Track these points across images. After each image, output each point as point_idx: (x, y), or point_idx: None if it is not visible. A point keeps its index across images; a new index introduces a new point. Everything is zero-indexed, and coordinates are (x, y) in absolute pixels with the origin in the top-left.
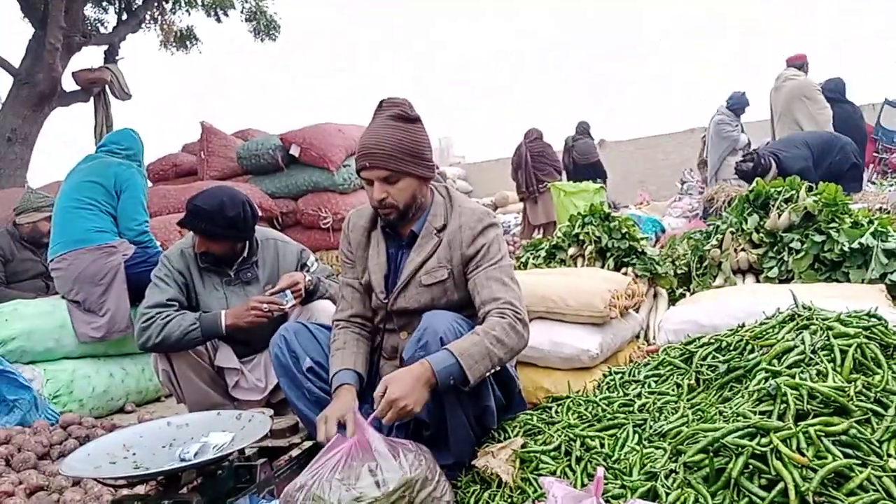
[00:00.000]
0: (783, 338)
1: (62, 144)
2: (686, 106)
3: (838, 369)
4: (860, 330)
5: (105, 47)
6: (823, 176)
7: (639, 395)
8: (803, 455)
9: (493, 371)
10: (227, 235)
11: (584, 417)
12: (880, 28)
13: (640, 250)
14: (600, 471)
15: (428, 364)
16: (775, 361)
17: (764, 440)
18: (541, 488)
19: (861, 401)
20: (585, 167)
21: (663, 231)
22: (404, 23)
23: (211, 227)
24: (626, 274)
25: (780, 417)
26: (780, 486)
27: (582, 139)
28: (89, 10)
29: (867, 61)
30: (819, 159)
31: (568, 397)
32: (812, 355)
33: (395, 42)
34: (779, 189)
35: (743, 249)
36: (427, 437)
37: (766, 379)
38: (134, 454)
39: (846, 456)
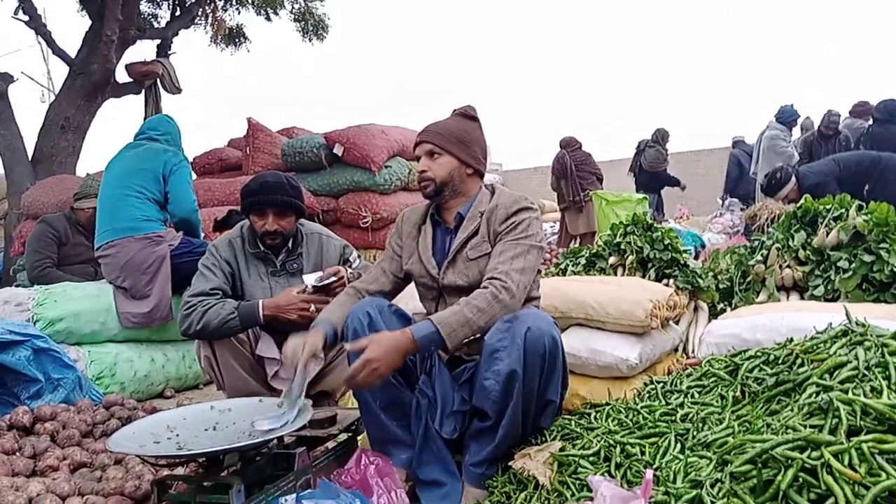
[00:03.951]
0: (835, 353)
1: (112, 134)
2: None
3: (893, 387)
4: None
5: (158, 41)
6: (853, 192)
7: (681, 405)
8: (855, 471)
9: (473, 337)
10: (296, 206)
11: (625, 424)
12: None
13: (682, 262)
14: (649, 473)
15: (409, 332)
16: (827, 376)
17: (815, 454)
18: (579, 491)
19: None
20: (649, 174)
21: (703, 246)
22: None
23: (284, 198)
24: (667, 285)
25: (832, 432)
26: (830, 501)
27: (655, 147)
28: (144, 5)
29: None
30: (846, 176)
31: (608, 404)
32: (866, 371)
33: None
34: (828, 206)
35: (788, 266)
36: (478, 428)
37: (817, 393)
38: (177, 435)
39: None
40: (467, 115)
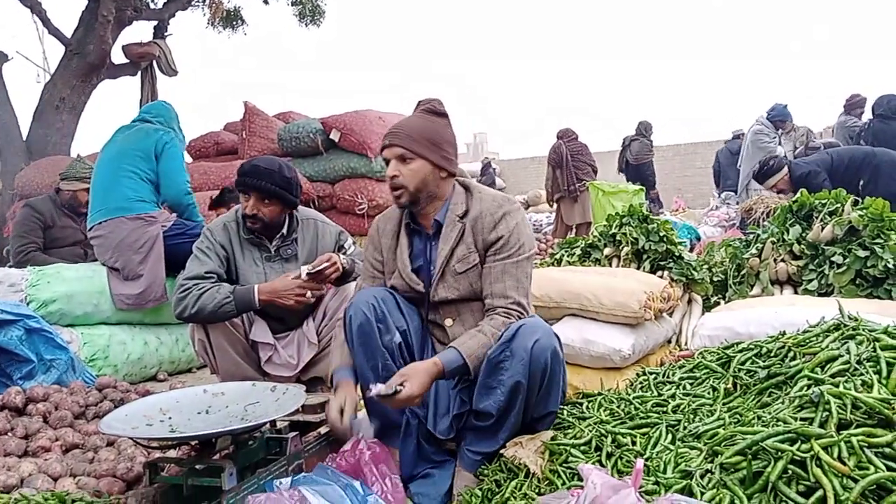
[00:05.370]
0: (827, 346)
1: (108, 115)
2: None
3: (884, 381)
4: None
5: (155, 23)
6: (846, 186)
7: (673, 396)
8: (844, 464)
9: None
10: (282, 196)
11: (616, 415)
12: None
13: (677, 254)
14: (640, 462)
15: (440, 365)
16: (818, 370)
17: (804, 446)
18: (570, 480)
19: None
20: (634, 168)
21: (699, 239)
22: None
23: (268, 185)
24: (661, 277)
25: (822, 425)
26: (819, 493)
27: (638, 140)
28: None
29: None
30: (839, 168)
31: (600, 394)
32: (857, 366)
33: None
34: (823, 201)
35: (783, 260)
36: (477, 427)
37: (809, 386)
38: (170, 418)
39: (889, 469)
40: (435, 112)
